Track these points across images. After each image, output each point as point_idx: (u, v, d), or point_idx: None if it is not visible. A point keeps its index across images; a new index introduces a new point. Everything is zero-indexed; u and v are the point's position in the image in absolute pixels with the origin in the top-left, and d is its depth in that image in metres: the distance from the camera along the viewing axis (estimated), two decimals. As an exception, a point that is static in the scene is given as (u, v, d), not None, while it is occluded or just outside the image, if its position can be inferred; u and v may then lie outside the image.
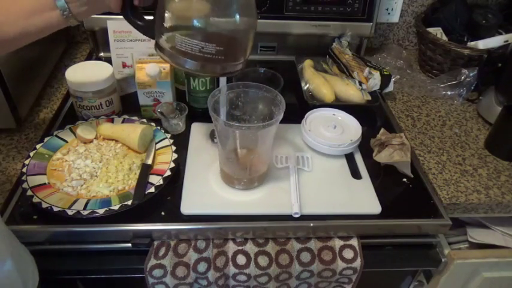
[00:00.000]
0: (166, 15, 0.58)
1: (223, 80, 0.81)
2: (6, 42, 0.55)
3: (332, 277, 0.71)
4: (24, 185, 0.68)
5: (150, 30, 0.61)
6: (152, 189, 0.69)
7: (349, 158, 0.82)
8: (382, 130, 0.83)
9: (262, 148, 0.71)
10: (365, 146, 0.83)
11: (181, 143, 0.81)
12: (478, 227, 0.88)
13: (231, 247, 0.69)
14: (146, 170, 0.73)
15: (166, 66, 0.84)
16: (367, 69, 0.97)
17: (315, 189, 0.74)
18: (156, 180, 0.71)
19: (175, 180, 0.73)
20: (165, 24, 0.58)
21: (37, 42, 0.58)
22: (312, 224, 0.69)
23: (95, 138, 0.80)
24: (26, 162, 0.72)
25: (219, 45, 0.57)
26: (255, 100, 0.73)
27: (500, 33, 1.06)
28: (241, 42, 0.61)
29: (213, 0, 0.57)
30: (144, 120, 0.84)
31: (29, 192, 0.66)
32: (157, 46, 0.60)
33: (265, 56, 1.15)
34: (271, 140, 0.71)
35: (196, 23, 0.57)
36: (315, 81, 0.95)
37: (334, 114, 0.87)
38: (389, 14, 1.18)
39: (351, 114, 0.86)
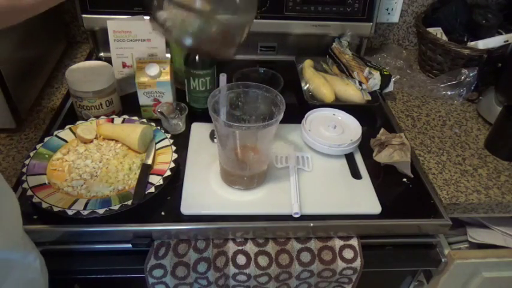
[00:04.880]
0: None
1: (223, 80, 0.82)
2: (24, 11, 0.56)
3: (332, 277, 0.71)
4: (24, 185, 0.68)
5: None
6: (152, 189, 0.69)
7: (349, 158, 0.82)
8: (382, 130, 0.83)
9: (262, 148, 0.71)
10: (365, 146, 0.83)
11: (181, 143, 0.81)
12: (478, 227, 0.88)
13: (231, 247, 0.69)
14: (146, 170, 0.73)
15: (167, 66, 0.84)
16: (367, 69, 0.97)
17: (315, 189, 0.74)
18: (156, 180, 0.71)
19: (175, 180, 0.73)
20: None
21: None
22: (312, 224, 0.69)
23: (95, 138, 0.80)
24: (26, 162, 0.72)
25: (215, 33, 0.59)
26: (255, 100, 0.73)
27: (500, 33, 1.06)
28: (235, 33, 0.63)
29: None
30: (144, 120, 0.83)
31: (29, 192, 0.66)
32: (154, 18, 0.61)
33: (265, 56, 1.15)
34: (271, 140, 0.71)
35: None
36: (315, 81, 0.95)
37: (334, 114, 0.87)
38: (389, 14, 1.18)
39: (351, 114, 0.86)
